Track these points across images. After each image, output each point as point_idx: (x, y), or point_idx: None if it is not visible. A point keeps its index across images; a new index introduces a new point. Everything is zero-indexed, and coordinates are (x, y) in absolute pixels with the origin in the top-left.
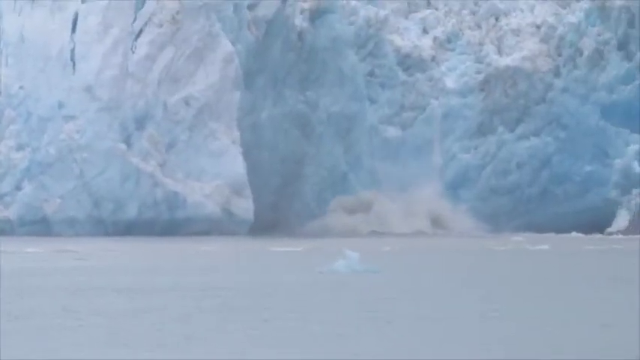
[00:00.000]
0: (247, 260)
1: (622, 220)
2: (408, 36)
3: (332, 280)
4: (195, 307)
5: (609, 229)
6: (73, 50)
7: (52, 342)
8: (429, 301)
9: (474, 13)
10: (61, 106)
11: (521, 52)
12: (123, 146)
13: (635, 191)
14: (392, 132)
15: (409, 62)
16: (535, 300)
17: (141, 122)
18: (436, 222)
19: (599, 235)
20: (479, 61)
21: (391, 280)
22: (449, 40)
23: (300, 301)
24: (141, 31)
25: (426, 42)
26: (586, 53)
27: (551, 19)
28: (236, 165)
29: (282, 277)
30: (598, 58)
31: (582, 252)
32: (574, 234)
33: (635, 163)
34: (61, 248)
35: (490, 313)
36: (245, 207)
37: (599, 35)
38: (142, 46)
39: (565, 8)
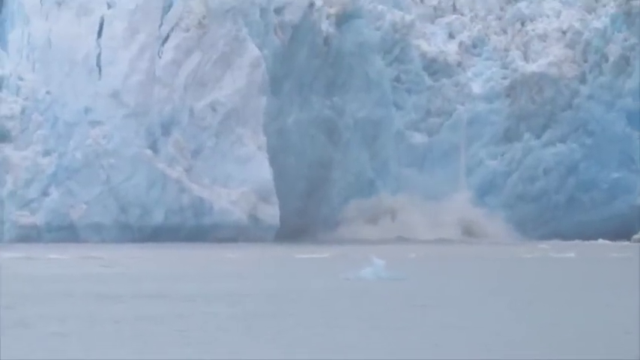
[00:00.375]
0: (273, 267)
1: None
2: (434, 41)
3: (358, 286)
4: (220, 313)
5: (636, 236)
6: (99, 55)
7: (66, 346)
8: (454, 308)
9: (499, 19)
10: (87, 111)
11: (547, 57)
12: (149, 152)
13: None
14: (418, 138)
15: (435, 67)
16: (559, 307)
17: (167, 128)
18: (465, 229)
19: (625, 243)
20: (505, 66)
21: (417, 287)
22: (475, 46)
23: (325, 307)
24: (167, 36)
25: (452, 47)
26: (612, 59)
27: (577, 25)
28: (262, 171)
29: (308, 284)
30: (624, 64)
31: (608, 259)
32: (601, 241)
33: None
34: (86, 255)
35: (514, 320)
36: (271, 213)
37: (625, 41)
38: (169, 51)
39: (591, 13)
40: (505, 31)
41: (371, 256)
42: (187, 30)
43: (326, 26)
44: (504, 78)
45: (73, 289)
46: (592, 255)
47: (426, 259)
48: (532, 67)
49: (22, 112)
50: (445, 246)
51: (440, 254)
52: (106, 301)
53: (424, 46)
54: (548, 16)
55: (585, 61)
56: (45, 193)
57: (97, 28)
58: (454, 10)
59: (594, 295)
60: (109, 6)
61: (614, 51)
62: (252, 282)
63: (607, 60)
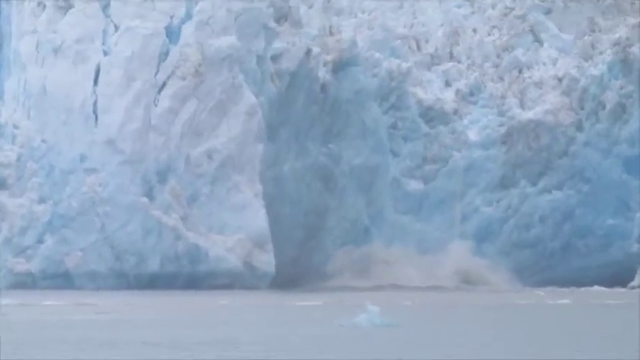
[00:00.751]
0: (268, 314)
1: None
2: (430, 88)
3: (352, 334)
4: None
5: (632, 283)
6: (95, 103)
7: None
8: (447, 356)
9: (496, 66)
10: (83, 159)
11: (544, 105)
12: (145, 199)
13: None
14: (414, 185)
15: (432, 115)
16: (551, 353)
17: (163, 175)
18: (461, 278)
19: (622, 290)
20: (501, 114)
21: (411, 334)
22: (471, 93)
23: (318, 354)
24: (164, 84)
25: (449, 95)
26: (608, 106)
27: (573, 72)
28: (258, 218)
29: (302, 331)
30: (621, 111)
31: (602, 306)
32: (597, 288)
33: None
34: (80, 301)
35: None
36: (267, 261)
37: (621, 88)
38: (165, 99)
39: (587, 61)
40: (502, 79)
41: (365, 303)
42: (184, 78)
43: (323, 73)
44: (501, 125)
45: (68, 336)
46: (587, 302)
47: (421, 307)
48: (528, 115)
49: (18, 159)
50: (440, 293)
51: (435, 302)
52: (99, 348)
53: (420, 93)
54: (544, 64)
55: (582, 108)
56: (40, 241)
57: (93, 76)
58: (451, 57)
59: (586, 342)
60: (105, 53)
61: (610, 98)
62: (246, 329)
63: (604, 107)
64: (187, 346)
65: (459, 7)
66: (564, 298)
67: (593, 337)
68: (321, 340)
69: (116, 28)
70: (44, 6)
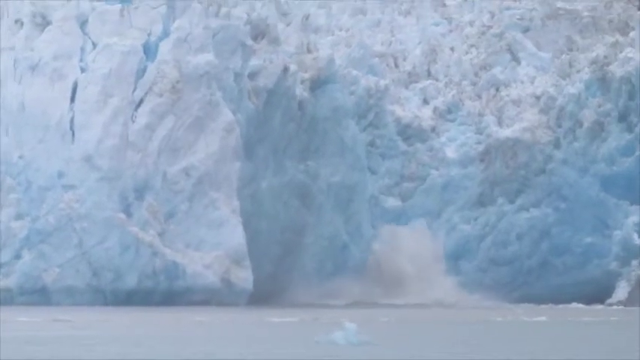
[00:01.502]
0: (244, 330)
1: (622, 291)
2: (408, 106)
3: (328, 351)
4: None
5: (609, 300)
6: (72, 120)
7: None
8: None
9: (474, 84)
10: (60, 175)
11: (522, 123)
12: (122, 216)
13: (634, 263)
14: (392, 202)
15: (409, 132)
16: None
17: (140, 192)
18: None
19: (600, 307)
20: (479, 131)
21: (386, 351)
22: (449, 111)
23: None
24: (141, 101)
25: (427, 112)
26: (586, 124)
27: (551, 90)
28: (236, 235)
29: (278, 348)
30: (598, 129)
31: (578, 323)
32: (575, 305)
33: (635, 235)
34: (55, 317)
35: None
36: (244, 277)
37: (599, 106)
38: (142, 116)
39: (565, 79)
40: (479, 97)
41: (342, 320)
42: (161, 95)
43: (300, 91)
44: (478, 143)
45: (40, 352)
46: (563, 319)
47: (397, 324)
48: (506, 133)
49: None
50: (418, 310)
51: (411, 319)
52: None
53: (398, 111)
54: (522, 82)
55: (559, 126)
56: (18, 257)
57: (70, 93)
58: (428, 75)
59: (560, 357)
60: (83, 70)
61: (588, 116)
62: (222, 346)
63: (581, 125)
64: None
65: (436, 25)
66: (541, 315)
67: (566, 352)
68: (297, 357)
69: (94, 45)
70: (22, 23)
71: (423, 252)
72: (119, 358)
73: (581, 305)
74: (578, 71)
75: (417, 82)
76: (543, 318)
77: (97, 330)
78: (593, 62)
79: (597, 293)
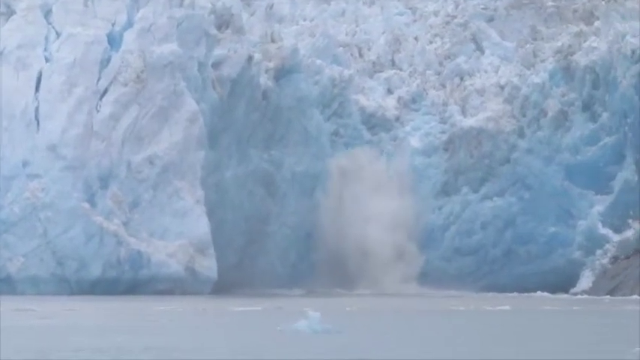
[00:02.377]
0: (207, 319)
1: (586, 280)
2: (372, 96)
3: (291, 339)
4: None
5: (574, 290)
6: (37, 109)
7: None
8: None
9: (438, 74)
10: (25, 164)
11: (486, 112)
12: (87, 205)
13: (599, 252)
14: None
15: (374, 122)
16: (487, 355)
17: (105, 181)
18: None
19: (565, 295)
20: (443, 121)
21: (350, 339)
22: (413, 100)
23: (256, 358)
24: (105, 90)
25: (391, 102)
26: (550, 114)
27: (515, 80)
28: (200, 224)
29: (241, 337)
30: (562, 118)
31: (540, 312)
32: (539, 294)
33: (599, 225)
34: (18, 307)
35: None
36: (209, 266)
37: (563, 96)
38: (107, 105)
39: (529, 69)
40: (443, 86)
41: (306, 309)
42: (125, 84)
43: (264, 80)
44: (442, 132)
45: (3, 342)
46: (526, 308)
47: (361, 313)
48: (470, 122)
49: None
50: (381, 299)
51: (375, 308)
52: (35, 354)
53: (363, 100)
54: (486, 72)
55: (524, 115)
56: None
57: (35, 82)
58: (393, 65)
59: (520, 346)
60: (47, 60)
61: (552, 106)
62: (183, 335)
63: (545, 115)
64: (121, 352)
65: (400, 14)
66: (505, 304)
67: (526, 339)
68: (260, 345)
69: (58, 34)
70: None
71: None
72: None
73: (546, 294)
74: (543, 61)
75: (381, 71)
76: (507, 307)
77: (60, 319)
78: (558, 52)
79: (562, 282)
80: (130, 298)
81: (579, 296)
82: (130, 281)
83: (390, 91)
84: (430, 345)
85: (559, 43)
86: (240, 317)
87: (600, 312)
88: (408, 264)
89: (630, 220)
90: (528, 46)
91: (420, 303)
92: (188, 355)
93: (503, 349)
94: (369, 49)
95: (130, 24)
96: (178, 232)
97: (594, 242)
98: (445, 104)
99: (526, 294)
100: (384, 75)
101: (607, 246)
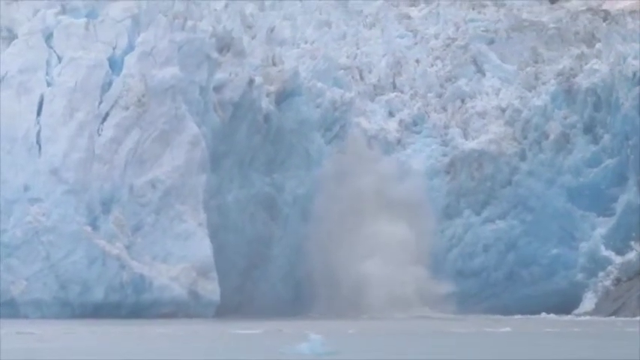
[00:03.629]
0: (209, 342)
1: (589, 302)
2: (374, 118)
3: None
4: None
5: (576, 311)
6: (39, 133)
7: None
8: None
9: (439, 96)
10: (26, 188)
11: (487, 135)
12: (89, 229)
13: (601, 274)
14: None
15: (375, 145)
16: None
17: (107, 205)
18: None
19: (568, 317)
20: (444, 143)
21: None
22: (415, 123)
23: None
24: (107, 114)
25: (392, 125)
26: (552, 136)
27: (516, 103)
28: (202, 247)
29: (244, 358)
30: (564, 141)
31: (541, 334)
32: (543, 315)
33: (602, 247)
34: (19, 330)
35: None
36: (211, 289)
37: (565, 118)
38: (108, 129)
39: (531, 91)
40: (445, 109)
41: (308, 331)
42: (127, 108)
43: (266, 104)
44: (444, 155)
45: None
46: (528, 330)
47: (363, 336)
48: (472, 144)
49: None
50: (385, 322)
51: (377, 330)
52: None
53: (364, 123)
54: (487, 94)
55: (525, 138)
56: None
57: (36, 106)
58: (394, 87)
59: None
60: (49, 84)
61: (554, 128)
62: (186, 358)
63: (547, 137)
64: None
65: (401, 37)
66: (506, 326)
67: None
68: None
69: (59, 59)
70: None
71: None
72: None
73: (552, 315)
74: (544, 83)
75: (382, 94)
76: (508, 329)
77: (60, 342)
78: (559, 74)
79: (564, 304)
80: (132, 322)
81: (582, 318)
82: (132, 305)
83: (391, 114)
84: None
85: (560, 66)
86: (242, 340)
87: (601, 334)
88: (415, 289)
89: (633, 242)
90: (529, 68)
91: (421, 325)
92: None
93: None
94: (370, 72)
95: (131, 47)
96: (181, 255)
97: (597, 264)
98: (446, 127)
99: (529, 316)
100: (385, 98)
101: (609, 268)
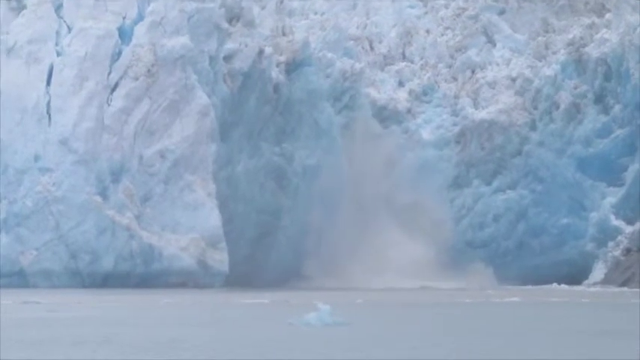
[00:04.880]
0: (218, 312)
1: (599, 272)
2: (384, 88)
3: (302, 332)
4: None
5: (586, 282)
6: (48, 103)
7: None
8: (394, 352)
9: (449, 66)
10: (37, 158)
11: (497, 105)
12: (99, 199)
13: (611, 244)
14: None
15: (385, 114)
16: (487, 349)
17: (117, 175)
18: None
19: (577, 287)
20: (455, 113)
21: (360, 332)
22: (425, 93)
23: (267, 353)
24: (116, 84)
25: (402, 94)
26: (562, 106)
27: (527, 72)
28: (212, 217)
29: (252, 328)
30: (574, 111)
31: (548, 304)
32: (555, 285)
33: (611, 217)
34: (25, 299)
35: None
36: (220, 259)
37: (575, 88)
38: (118, 99)
39: (541, 61)
40: (455, 79)
41: (316, 301)
42: (136, 78)
43: (276, 74)
44: (454, 125)
45: (10, 335)
46: (536, 300)
47: (371, 306)
48: (482, 114)
49: None
50: (392, 293)
51: (386, 301)
52: (41, 347)
53: (374, 93)
54: (498, 64)
55: (535, 108)
56: None
57: (46, 76)
58: (404, 57)
59: (521, 338)
60: (58, 54)
61: (564, 98)
62: (193, 328)
63: (557, 107)
64: (133, 344)
65: (412, 7)
66: (514, 296)
67: (522, 332)
68: (271, 339)
69: (69, 29)
70: None
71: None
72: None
73: (563, 286)
74: (554, 53)
75: (392, 64)
76: (515, 299)
77: (65, 312)
78: (569, 44)
79: (574, 274)
80: (141, 292)
81: (592, 288)
82: (142, 275)
83: (401, 84)
84: (436, 338)
85: (570, 36)
86: (250, 310)
87: (609, 305)
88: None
89: None
90: (540, 38)
91: (429, 296)
92: (197, 349)
93: (500, 342)
94: (380, 42)
95: (140, 17)
96: (190, 225)
97: (606, 234)
98: (457, 97)
99: (541, 286)
100: (395, 68)
101: (619, 238)
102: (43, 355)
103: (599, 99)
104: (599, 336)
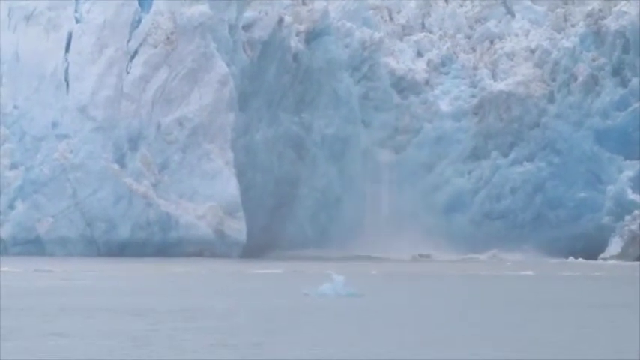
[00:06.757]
0: (235, 282)
1: (615, 246)
2: (402, 59)
3: (316, 302)
4: (174, 329)
5: (603, 255)
6: (67, 70)
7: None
8: (405, 324)
9: (468, 37)
10: (54, 125)
11: (516, 76)
12: (116, 166)
13: (627, 218)
14: (385, 155)
15: (403, 85)
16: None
17: (134, 143)
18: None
19: (593, 261)
20: (473, 85)
21: (374, 303)
22: (443, 64)
23: (280, 322)
24: (135, 52)
25: (421, 65)
26: (580, 79)
27: (545, 44)
28: (229, 186)
29: (267, 299)
30: (592, 83)
31: (561, 278)
32: (571, 259)
33: (629, 190)
34: (37, 267)
35: (458, 334)
36: (238, 228)
37: (593, 61)
38: (137, 67)
39: (560, 33)
40: (474, 50)
41: (330, 272)
42: (155, 46)
43: (295, 43)
44: (472, 96)
45: (24, 303)
46: (550, 274)
47: (386, 277)
48: (500, 86)
49: None
50: (406, 264)
51: (400, 272)
52: (56, 315)
53: (392, 63)
54: (516, 35)
55: (554, 80)
56: (11, 207)
57: (65, 43)
58: (423, 28)
59: (532, 312)
60: (77, 21)
61: (582, 70)
62: (208, 297)
63: (575, 79)
64: (146, 312)
65: None
66: (528, 269)
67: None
68: (286, 309)
69: None
70: None
71: None
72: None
73: (580, 259)
74: (573, 25)
75: (411, 34)
76: (530, 272)
77: (77, 280)
78: (588, 16)
79: (591, 248)
80: (157, 260)
81: (608, 262)
82: (158, 243)
83: (420, 54)
84: (450, 310)
85: (589, 8)
86: (265, 280)
87: (623, 278)
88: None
89: None
90: (559, 10)
91: (444, 267)
92: (212, 318)
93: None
94: (399, 12)
95: None
96: (207, 194)
97: (623, 208)
98: (475, 68)
99: (558, 259)
100: (414, 38)
101: (636, 212)
102: (53, 323)
103: (617, 71)
104: (604, 308)
